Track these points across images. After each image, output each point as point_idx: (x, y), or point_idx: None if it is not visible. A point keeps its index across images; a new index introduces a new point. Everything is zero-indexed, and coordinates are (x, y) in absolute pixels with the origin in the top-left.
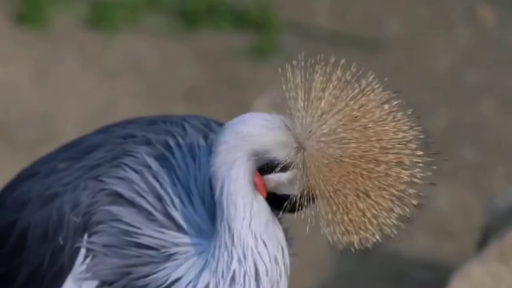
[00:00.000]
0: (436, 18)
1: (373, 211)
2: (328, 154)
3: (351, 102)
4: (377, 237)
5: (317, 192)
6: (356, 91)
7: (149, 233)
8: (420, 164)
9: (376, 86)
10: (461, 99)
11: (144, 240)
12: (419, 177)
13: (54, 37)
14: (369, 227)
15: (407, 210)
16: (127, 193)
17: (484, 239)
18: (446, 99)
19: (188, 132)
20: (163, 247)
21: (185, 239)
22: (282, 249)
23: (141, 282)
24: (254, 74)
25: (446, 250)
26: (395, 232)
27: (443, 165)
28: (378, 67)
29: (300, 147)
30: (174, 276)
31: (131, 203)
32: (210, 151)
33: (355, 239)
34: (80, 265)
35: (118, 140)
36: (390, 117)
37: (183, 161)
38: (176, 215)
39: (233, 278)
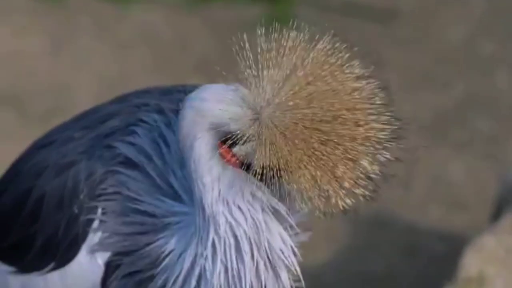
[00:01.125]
0: None
1: (338, 171)
2: (284, 122)
3: (305, 65)
4: (349, 198)
5: (279, 161)
6: (313, 53)
7: (151, 201)
8: (384, 120)
9: (335, 47)
10: (476, 71)
11: (145, 207)
12: (382, 136)
13: (69, 9)
14: (336, 188)
15: (374, 167)
16: (136, 158)
17: (497, 211)
18: (460, 71)
19: None
20: (162, 215)
21: (180, 208)
22: (267, 213)
23: (145, 253)
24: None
25: (459, 222)
26: (367, 192)
27: (458, 136)
28: (393, 38)
29: (256, 118)
30: (169, 248)
31: (139, 169)
32: None
33: (329, 203)
34: (94, 233)
35: (132, 109)
36: (348, 76)
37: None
38: (175, 183)
39: (213, 247)
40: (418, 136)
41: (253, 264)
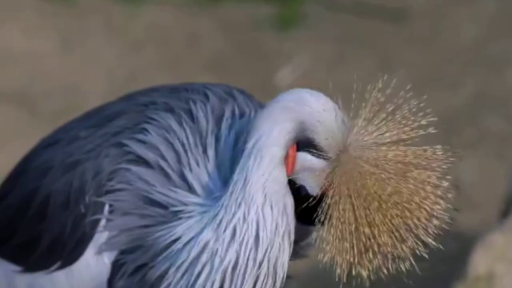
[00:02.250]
0: None
1: (383, 239)
2: (364, 167)
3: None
4: (387, 268)
5: (336, 198)
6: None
7: (162, 191)
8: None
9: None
10: (486, 70)
11: (156, 197)
12: (438, 215)
13: (80, 8)
14: (376, 256)
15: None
16: (148, 155)
17: (507, 209)
18: (471, 69)
19: (211, 99)
20: (172, 205)
21: (193, 199)
22: (287, 220)
23: (151, 244)
24: (278, 44)
25: (470, 220)
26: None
27: (469, 135)
28: (403, 37)
29: (344, 149)
30: (175, 235)
31: (151, 165)
32: (232, 118)
33: (362, 269)
34: (101, 232)
35: (139, 108)
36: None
37: (205, 127)
38: (190, 176)
39: (233, 234)
40: (428, 135)
41: (259, 267)
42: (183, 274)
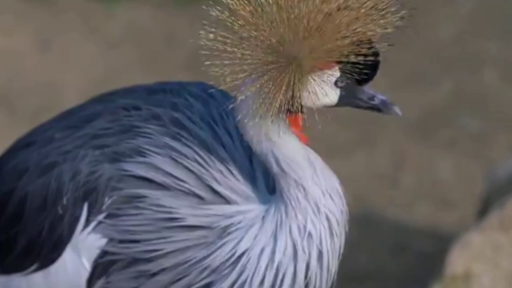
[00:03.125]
0: None
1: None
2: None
3: None
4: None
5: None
6: None
7: (194, 213)
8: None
9: None
10: (464, 69)
11: (190, 221)
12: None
13: (57, 7)
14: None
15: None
16: (158, 178)
17: (484, 208)
18: (448, 68)
19: (191, 102)
20: (213, 222)
21: (236, 208)
22: (343, 203)
23: (200, 266)
24: None
25: (447, 219)
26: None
27: (445, 134)
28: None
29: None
30: (241, 249)
31: (164, 187)
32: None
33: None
34: (79, 234)
35: (120, 111)
36: None
37: (204, 135)
38: (220, 188)
39: (310, 235)
40: (406, 134)
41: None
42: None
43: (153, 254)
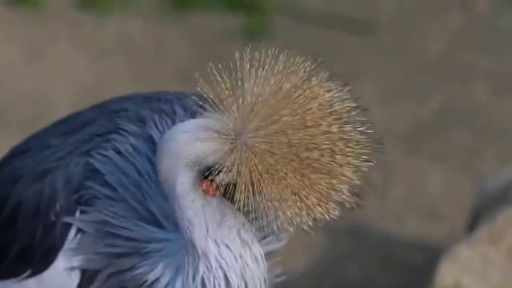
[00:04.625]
0: (429, 0)
1: (315, 192)
2: (261, 148)
3: (282, 91)
4: (329, 214)
5: (259, 185)
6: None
7: (129, 226)
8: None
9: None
10: (454, 82)
11: (124, 233)
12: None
13: (47, 17)
14: (314, 207)
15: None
16: (110, 177)
17: (474, 221)
18: (438, 82)
19: (178, 112)
20: (143, 241)
21: (162, 235)
22: (248, 246)
23: (128, 275)
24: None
25: (437, 232)
26: (346, 205)
27: (435, 147)
28: (371, 50)
29: (233, 146)
30: (152, 277)
31: (113, 189)
32: None
33: (306, 219)
34: (71, 241)
35: (110, 115)
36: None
37: None
38: (154, 208)
39: (203, 285)
40: (396, 146)
41: None
42: None
43: (106, 261)
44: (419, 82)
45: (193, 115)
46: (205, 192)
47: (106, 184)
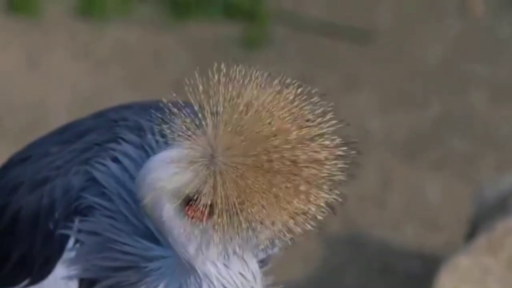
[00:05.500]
0: (427, 8)
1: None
2: (235, 169)
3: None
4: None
5: (237, 205)
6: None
7: (127, 241)
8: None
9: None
10: (452, 90)
11: (123, 248)
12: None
13: (45, 26)
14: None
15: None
16: (108, 188)
17: (472, 230)
18: (436, 90)
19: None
20: (141, 257)
21: (159, 252)
22: (245, 263)
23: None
24: (244, 64)
25: (435, 241)
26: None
27: (433, 156)
28: (369, 58)
29: (208, 173)
30: None
31: (111, 200)
32: None
33: (289, 233)
34: (70, 250)
35: (110, 123)
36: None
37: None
38: (150, 224)
39: None
40: (394, 155)
41: None
42: None
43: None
44: (417, 91)
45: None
46: (193, 218)
47: (104, 194)
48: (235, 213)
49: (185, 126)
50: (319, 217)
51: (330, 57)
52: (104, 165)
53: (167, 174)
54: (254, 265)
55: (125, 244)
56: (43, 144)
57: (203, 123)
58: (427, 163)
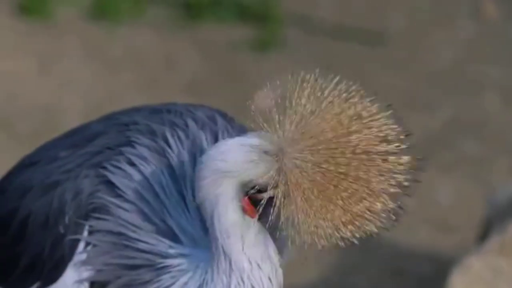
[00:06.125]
0: (440, 11)
1: (355, 213)
2: (306, 165)
3: (324, 109)
4: (360, 234)
5: (303, 204)
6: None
7: (146, 239)
8: (402, 169)
9: (352, 93)
10: (464, 93)
11: (140, 246)
12: (400, 180)
13: (57, 29)
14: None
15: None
16: (125, 190)
17: (485, 232)
18: (449, 92)
19: (190, 126)
20: (158, 255)
21: (179, 250)
22: (275, 268)
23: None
24: (256, 67)
25: (447, 243)
26: (383, 226)
27: (445, 158)
28: (381, 60)
29: (280, 168)
30: None
31: (127, 201)
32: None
33: (335, 239)
34: (80, 253)
35: (121, 127)
36: (368, 124)
37: (178, 158)
38: (171, 222)
39: None
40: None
41: None
42: None
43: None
44: (430, 93)
45: (204, 128)
46: (246, 210)
47: (119, 196)
48: (297, 211)
49: (265, 118)
50: (379, 224)
51: (342, 59)
52: (119, 168)
53: (245, 161)
54: (280, 271)
55: (142, 241)
56: (52, 148)
57: (282, 120)
58: (439, 166)
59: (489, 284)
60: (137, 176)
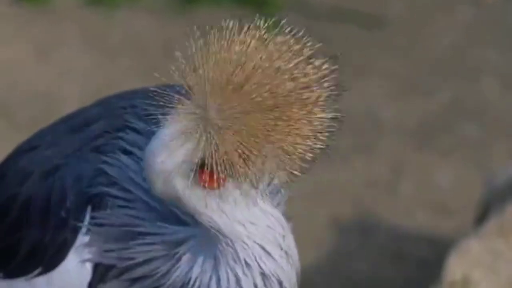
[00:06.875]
0: None
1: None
2: (234, 120)
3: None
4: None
5: (240, 153)
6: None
7: (153, 230)
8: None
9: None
10: (463, 77)
11: (149, 239)
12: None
13: (55, 16)
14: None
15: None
16: (122, 177)
17: (483, 215)
18: (448, 77)
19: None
20: (171, 244)
21: (186, 232)
22: (269, 213)
23: (167, 280)
24: None
25: (446, 226)
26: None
27: (445, 142)
28: (380, 45)
29: (208, 134)
30: (194, 274)
31: (126, 189)
32: None
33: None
34: (83, 237)
35: (118, 111)
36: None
37: None
38: (172, 206)
39: (247, 264)
40: (405, 141)
41: (281, 263)
42: None
43: (127, 263)
44: (429, 77)
45: None
46: (209, 186)
47: (116, 185)
48: (247, 160)
49: (171, 100)
50: (324, 138)
51: (341, 44)
52: (114, 158)
53: (169, 152)
54: (277, 214)
55: (150, 234)
56: (50, 133)
57: (189, 90)
58: (438, 150)
59: (488, 266)
60: (131, 164)
